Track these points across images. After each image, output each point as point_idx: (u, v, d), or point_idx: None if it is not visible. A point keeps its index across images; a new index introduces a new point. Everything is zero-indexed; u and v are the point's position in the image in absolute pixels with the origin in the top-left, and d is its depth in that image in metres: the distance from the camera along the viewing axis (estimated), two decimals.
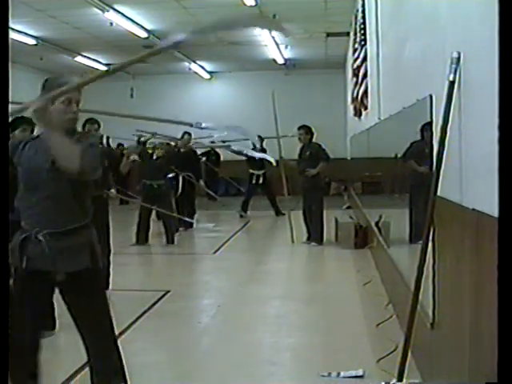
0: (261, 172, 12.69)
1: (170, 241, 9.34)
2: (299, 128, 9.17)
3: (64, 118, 2.94)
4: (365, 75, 8.49)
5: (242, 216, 12.60)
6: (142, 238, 9.24)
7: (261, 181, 12.74)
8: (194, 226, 11.03)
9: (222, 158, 16.85)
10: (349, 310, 5.44)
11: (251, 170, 12.76)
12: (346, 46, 14.11)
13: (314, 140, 9.20)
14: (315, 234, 8.93)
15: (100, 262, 3.08)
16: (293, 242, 9.18)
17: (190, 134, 11.11)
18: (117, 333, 4.68)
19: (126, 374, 3.20)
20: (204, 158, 14.60)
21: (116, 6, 10.80)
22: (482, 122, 2.26)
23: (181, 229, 10.58)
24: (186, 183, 11.07)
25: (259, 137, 12.31)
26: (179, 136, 10.98)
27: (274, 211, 12.90)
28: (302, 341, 4.67)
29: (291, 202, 10.17)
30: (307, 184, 8.99)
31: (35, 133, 4.33)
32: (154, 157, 9.46)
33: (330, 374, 3.79)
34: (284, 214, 11.46)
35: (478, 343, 2.36)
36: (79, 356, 4.18)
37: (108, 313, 3.13)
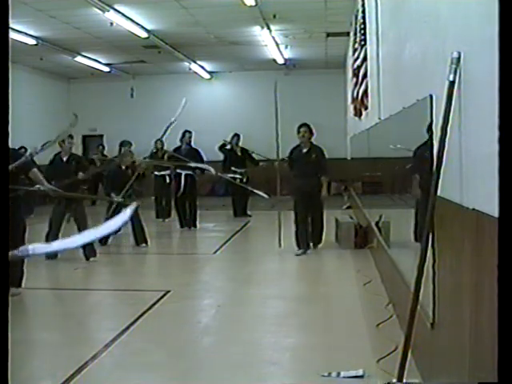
0: (242, 170, 12.53)
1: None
2: (301, 126, 8.68)
3: None
4: (365, 75, 8.48)
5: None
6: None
7: (244, 180, 12.32)
8: (198, 226, 11.12)
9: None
10: (349, 310, 5.44)
11: (233, 168, 12.56)
12: (346, 45, 14.12)
13: (313, 139, 9.02)
14: (316, 239, 8.62)
15: None
16: (280, 246, 8.67)
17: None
18: (117, 333, 4.74)
19: None
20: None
21: (116, 6, 10.81)
22: (482, 121, 2.26)
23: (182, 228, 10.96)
24: (187, 183, 11.09)
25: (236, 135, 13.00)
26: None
27: (235, 211, 12.78)
28: (302, 341, 4.67)
29: (282, 202, 10.01)
30: (310, 187, 8.65)
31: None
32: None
33: (330, 374, 3.78)
34: (251, 216, 12.44)
35: (478, 343, 2.36)
36: (79, 356, 4.20)
37: None
